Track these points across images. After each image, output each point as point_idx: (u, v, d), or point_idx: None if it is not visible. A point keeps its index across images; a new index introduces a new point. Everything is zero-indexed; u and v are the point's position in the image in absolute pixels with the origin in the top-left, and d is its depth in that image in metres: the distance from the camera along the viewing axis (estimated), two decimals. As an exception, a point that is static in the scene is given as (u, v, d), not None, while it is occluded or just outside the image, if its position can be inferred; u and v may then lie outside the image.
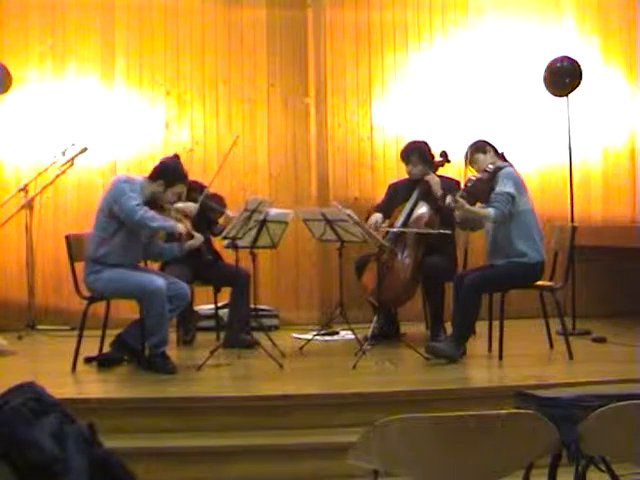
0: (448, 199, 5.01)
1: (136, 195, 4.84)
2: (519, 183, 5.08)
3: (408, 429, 2.33)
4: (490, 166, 5.11)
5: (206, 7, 7.10)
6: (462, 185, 5.29)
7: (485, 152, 5.21)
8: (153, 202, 4.96)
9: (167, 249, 5.20)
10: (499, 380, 4.83)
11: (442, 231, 5.43)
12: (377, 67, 7.14)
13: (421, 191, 5.78)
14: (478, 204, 5.10)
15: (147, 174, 5.08)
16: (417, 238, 5.66)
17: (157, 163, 5.15)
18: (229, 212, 5.57)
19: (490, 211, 5.01)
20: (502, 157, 5.27)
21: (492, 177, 5.06)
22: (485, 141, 5.30)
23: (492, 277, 5.08)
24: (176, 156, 5.25)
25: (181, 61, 7.06)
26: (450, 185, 5.66)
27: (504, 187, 4.99)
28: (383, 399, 4.28)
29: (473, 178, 5.11)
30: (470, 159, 5.24)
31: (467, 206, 4.95)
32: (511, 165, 5.22)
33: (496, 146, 5.31)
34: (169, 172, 5.02)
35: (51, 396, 2.08)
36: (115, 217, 4.88)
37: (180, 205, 5.13)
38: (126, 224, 4.88)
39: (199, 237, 5.10)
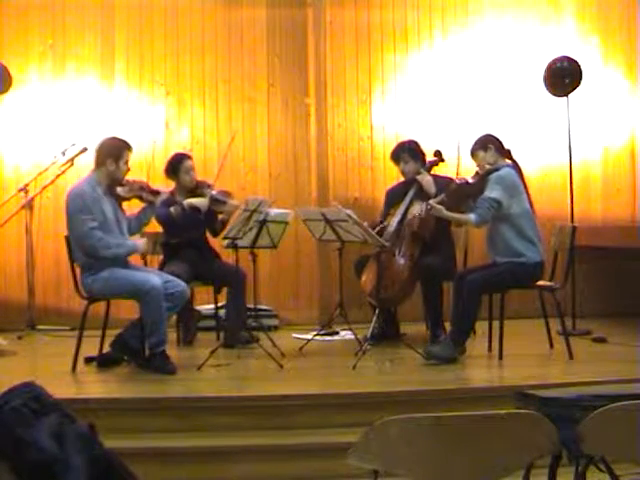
0: (423, 206, 5.10)
1: (89, 216, 4.83)
2: (511, 186, 5.06)
3: (408, 429, 2.32)
4: (487, 166, 5.13)
5: (206, 7, 7.10)
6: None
7: (486, 149, 5.19)
8: (115, 183, 5.02)
9: (142, 215, 5.22)
10: (499, 380, 4.83)
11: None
12: (377, 67, 7.14)
13: (416, 191, 5.79)
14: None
15: (93, 166, 5.08)
16: (414, 237, 5.68)
17: (95, 150, 5.12)
18: (233, 202, 5.70)
19: (471, 217, 5.07)
20: (507, 154, 5.25)
21: (482, 180, 5.09)
22: (490, 136, 5.27)
23: (492, 278, 5.08)
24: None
25: (181, 61, 7.07)
26: (445, 184, 5.71)
27: (490, 192, 5.01)
28: (383, 399, 4.28)
29: (457, 183, 5.20)
30: (472, 153, 5.25)
31: (444, 211, 5.08)
32: (513, 163, 5.21)
33: (503, 142, 5.25)
34: (111, 148, 5.03)
35: (51, 396, 2.08)
36: None
37: (193, 200, 5.46)
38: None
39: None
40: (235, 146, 7.03)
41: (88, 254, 4.87)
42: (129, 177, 5.14)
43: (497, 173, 5.08)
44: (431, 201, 5.19)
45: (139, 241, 5.15)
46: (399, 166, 5.94)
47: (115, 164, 4.98)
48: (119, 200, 5.08)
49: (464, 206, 5.18)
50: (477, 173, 5.18)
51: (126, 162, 5.03)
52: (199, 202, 5.52)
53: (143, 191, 5.13)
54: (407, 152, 5.89)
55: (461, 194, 5.13)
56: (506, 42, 7.16)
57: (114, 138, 5.13)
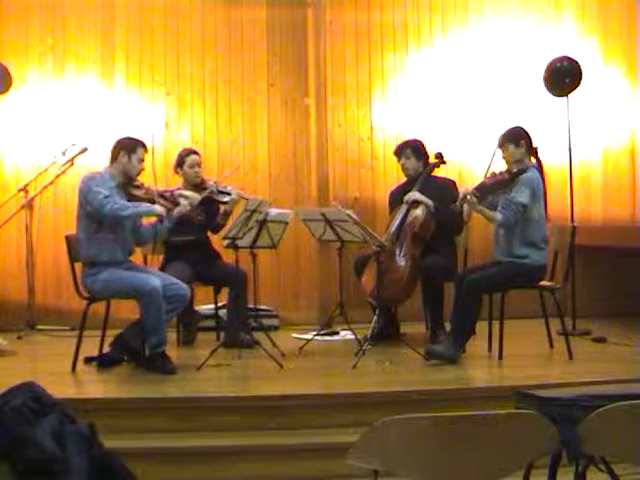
0: (461, 194, 5.01)
1: (102, 188, 4.86)
2: (537, 190, 5.03)
3: (408, 429, 2.32)
4: (514, 168, 5.03)
5: (206, 7, 7.10)
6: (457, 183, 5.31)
7: (518, 144, 5.10)
8: (128, 180, 5.01)
9: (156, 228, 5.19)
10: (499, 380, 4.83)
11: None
12: (377, 67, 7.14)
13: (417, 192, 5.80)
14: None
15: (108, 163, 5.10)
16: (414, 238, 5.68)
17: (111, 147, 5.11)
18: (237, 191, 5.70)
19: (498, 216, 5.02)
20: (534, 152, 5.19)
21: (511, 180, 5.03)
22: (522, 131, 5.16)
23: (492, 277, 5.08)
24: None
25: (181, 61, 7.07)
26: (445, 186, 5.77)
27: (519, 196, 4.96)
28: (383, 399, 4.28)
29: (491, 180, 5.04)
30: (501, 144, 5.13)
31: (477, 205, 5.00)
32: (538, 164, 5.16)
33: (532, 138, 5.17)
34: (124, 142, 5.06)
35: (51, 396, 2.08)
36: (93, 216, 4.91)
37: (185, 192, 5.31)
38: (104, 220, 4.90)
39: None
40: (235, 146, 7.05)
41: (112, 218, 4.85)
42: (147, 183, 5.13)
43: (527, 175, 5.01)
44: (463, 191, 5.05)
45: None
46: (400, 161, 5.95)
47: (127, 157, 4.99)
48: (133, 200, 5.05)
49: (485, 200, 5.13)
50: (508, 171, 5.06)
51: (140, 160, 5.04)
52: (190, 194, 5.32)
53: (160, 198, 5.08)
54: (411, 149, 5.91)
55: (491, 190, 5.07)
56: (506, 42, 7.16)
57: (130, 137, 5.15)
